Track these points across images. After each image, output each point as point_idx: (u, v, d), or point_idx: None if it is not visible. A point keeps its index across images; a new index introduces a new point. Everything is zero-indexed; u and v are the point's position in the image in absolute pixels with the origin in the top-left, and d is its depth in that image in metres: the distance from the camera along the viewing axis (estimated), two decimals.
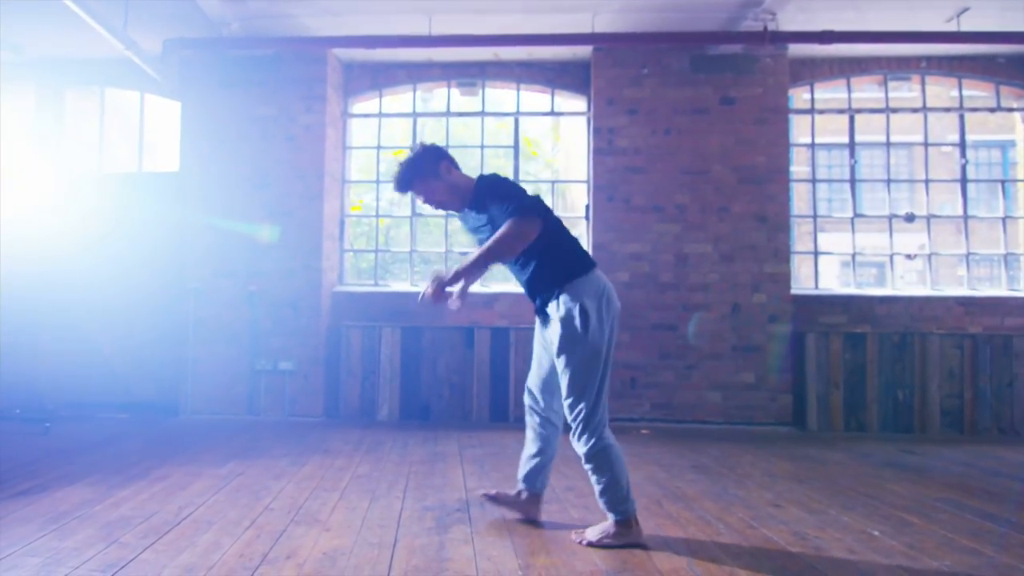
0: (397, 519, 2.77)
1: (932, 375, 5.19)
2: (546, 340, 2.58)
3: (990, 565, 2.31)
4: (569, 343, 2.39)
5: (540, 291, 2.51)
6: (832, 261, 13.86)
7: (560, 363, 2.44)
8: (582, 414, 2.39)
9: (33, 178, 5.87)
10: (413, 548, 2.42)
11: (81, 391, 5.69)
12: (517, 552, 2.39)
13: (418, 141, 2.67)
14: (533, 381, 2.71)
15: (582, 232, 5.98)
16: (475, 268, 2.37)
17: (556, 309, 2.44)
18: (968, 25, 5.01)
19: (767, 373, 5.25)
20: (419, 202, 2.62)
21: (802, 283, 5.92)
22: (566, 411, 2.47)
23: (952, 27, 5.07)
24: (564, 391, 2.45)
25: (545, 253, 2.46)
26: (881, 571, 2.23)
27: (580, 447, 2.42)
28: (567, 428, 2.54)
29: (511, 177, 5.99)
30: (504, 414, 5.34)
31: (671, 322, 5.35)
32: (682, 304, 5.36)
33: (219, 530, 2.60)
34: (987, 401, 5.15)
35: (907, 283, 10.23)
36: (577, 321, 2.37)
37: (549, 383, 2.63)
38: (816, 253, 5.82)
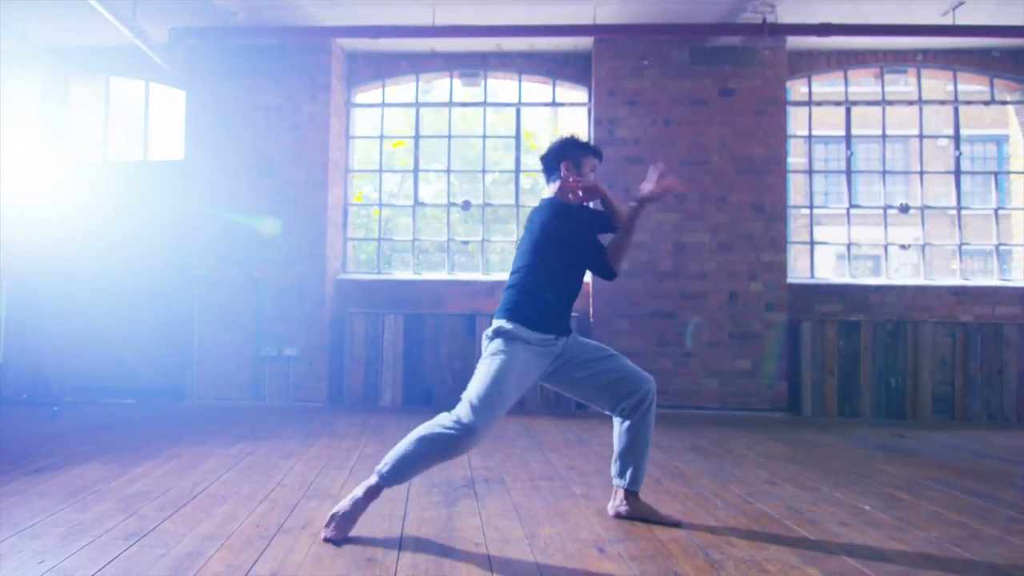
0: (406, 494, 2.86)
1: (924, 363, 5.30)
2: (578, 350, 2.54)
3: (975, 536, 2.41)
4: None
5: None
6: (828, 254, 13.98)
7: (609, 354, 2.55)
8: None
9: (39, 166, 5.92)
10: (423, 519, 2.52)
11: (87, 377, 5.77)
12: (523, 523, 2.49)
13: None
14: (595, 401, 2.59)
15: None
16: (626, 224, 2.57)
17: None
18: (963, 19, 5.10)
19: (762, 373, 5.36)
20: (590, 168, 2.66)
21: (798, 274, 6.02)
22: (637, 390, 2.49)
23: (948, 21, 5.15)
24: (631, 371, 2.51)
25: None
26: (871, 541, 2.34)
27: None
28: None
29: (512, 167, 6.08)
30: None
31: (669, 310, 5.44)
32: (680, 292, 5.45)
33: (234, 503, 2.69)
34: (978, 388, 5.27)
35: (901, 276, 10.35)
36: None
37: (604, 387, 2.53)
38: (812, 243, 5.92)
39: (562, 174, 2.59)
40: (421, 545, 2.23)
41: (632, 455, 2.51)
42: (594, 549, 2.22)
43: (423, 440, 2.26)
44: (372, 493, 2.31)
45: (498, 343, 2.40)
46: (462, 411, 2.27)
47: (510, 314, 2.42)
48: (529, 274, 2.47)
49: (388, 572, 2.00)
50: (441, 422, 2.28)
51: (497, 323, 2.45)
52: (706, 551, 2.21)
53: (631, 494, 2.53)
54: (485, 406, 2.26)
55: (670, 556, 2.16)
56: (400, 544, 2.24)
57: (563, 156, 2.61)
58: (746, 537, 2.36)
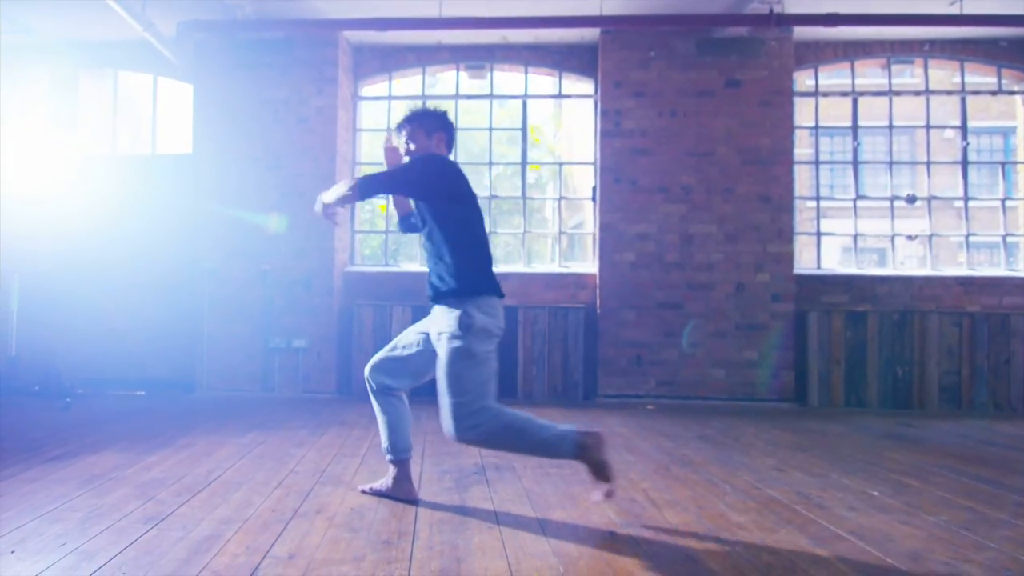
0: (418, 480, 2.89)
1: (931, 352, 5.31)
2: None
3: (983, 520, 2.43)
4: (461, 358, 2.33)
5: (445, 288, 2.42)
6: (834, 247, 13.96)
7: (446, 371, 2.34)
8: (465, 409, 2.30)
9: (48, 160, 5.95)
10: (436, 504, 2.55)
11: (97, 369, 5.81)
12: (535, 508, 2.52)
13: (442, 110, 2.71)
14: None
15: (588, 214, 6.08)
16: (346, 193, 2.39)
17: (452, 317, 2.36)
18: (971, 8, 5.08)
19: (759, 371, 5.38)
20: (400, 141, 2.68)
21: (804, 266, 6.02)
22: (452, 408, 2.31)
23: (955, 10, 5.13)
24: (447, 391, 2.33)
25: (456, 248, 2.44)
26: (881, 524, 2.36)
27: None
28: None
29: (519, 160, 6.09)
30: (513, 390, 5.47)
31: (676, 301, 5.46)
32: (687, 283, 5.46)
33: (249, 489, 2.73)
34: (984, 378, 5.28)
35: (907, 268, 10.33)
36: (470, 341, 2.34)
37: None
38: (819, 234, 5.92)
39: (430, 138, 2.66)
40: (435, 528, 2.27)
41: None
42: (606, 532, 2.25)
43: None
44: (398, 474, 2.60)
45: None
46: None
47: None
48: None
49: (404, 554, 2.03)
50: None
51: None
52: (717, 534, 2.23)
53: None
54: None
55: (681, 539, 2.19)
56: (415, 528, 2.27)
57: (439, 129, 2.70)
58: (756, 521, 2.38)
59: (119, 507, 2.47)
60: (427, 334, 2.53)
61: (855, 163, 5.96)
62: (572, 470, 3.12)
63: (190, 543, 2.10)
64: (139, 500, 2.56)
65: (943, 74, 6.16)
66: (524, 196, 6.10)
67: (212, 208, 5.59)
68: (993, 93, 6.01)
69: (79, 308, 5.85)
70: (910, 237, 5.99)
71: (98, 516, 2.36)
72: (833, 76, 6.20)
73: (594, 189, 5.77)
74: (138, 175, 5.97)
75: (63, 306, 5.86)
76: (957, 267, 5.93)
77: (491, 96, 6.11)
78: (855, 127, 5.95)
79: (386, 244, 6.19)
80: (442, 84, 6.87)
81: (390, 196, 2.83)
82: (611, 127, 5.58)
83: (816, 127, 5.98)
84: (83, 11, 5.24)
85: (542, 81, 6.24)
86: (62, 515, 2.37)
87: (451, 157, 2.70)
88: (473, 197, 2.57)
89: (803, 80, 6.02)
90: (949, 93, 6.02)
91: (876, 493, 2.78)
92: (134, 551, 2.03)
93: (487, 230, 2.56)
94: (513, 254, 6.91)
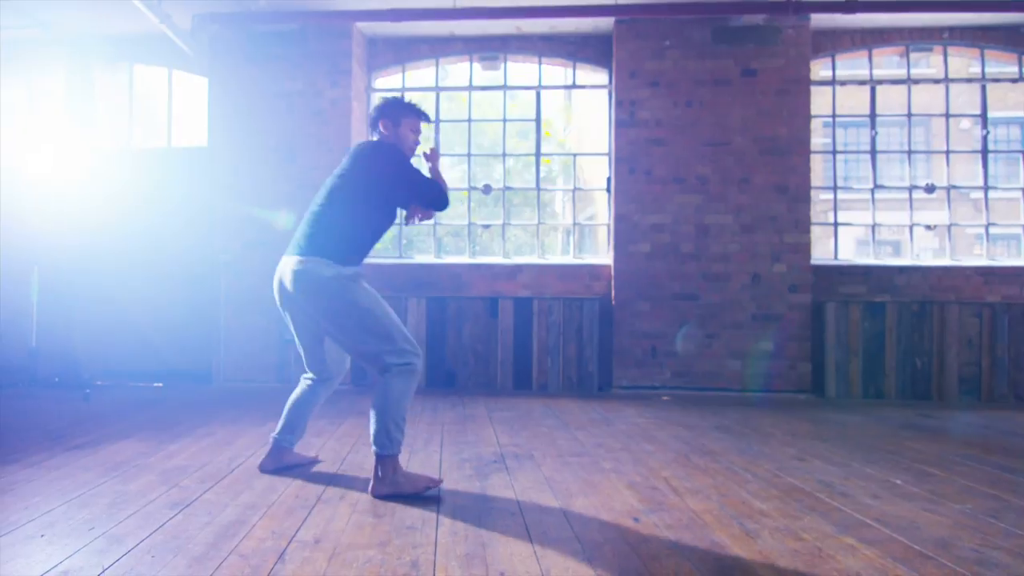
0: (438, 469, 2.90)
1: (950, 343, 5.26)
2: None
3: (1009, 508, 2.41)
4: None
5: None
6: (850, 240, 13.84)
7: None
8: None
9: (66, 154, 6.00)
10: (457, 491, 2.56)
11: (115, 361, 5.87)
12: (556, 495, 2.52)
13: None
14: None
15: (599, 206, 6.06)
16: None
17: None
18: None
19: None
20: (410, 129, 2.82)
21: (820, 257, 5.97)
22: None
23: None
24: None
25: None
26: (905, 512, 2.34)
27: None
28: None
29: (533, 151, 6.07)
30: (528, 381, 5.47)
31: (692, 292, 5.44)
32: (703, 274, 5.44)
33: (271, 476, 2.75)
34: (1004, 369, 5.22)
35: (925, 259, 10.23)
36: None
37: None
38: (835, 224, 5.87)
39: (382, 131, 2.76)
40: (458, 515, 2.27)
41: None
42: (629, 519, 2.25)
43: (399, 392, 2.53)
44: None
45: (348, 286, 2.53)
46: (399, 357, 2.50)
47: (344, 257, 2.57)
48: (356, 210, 2.62)
49: (428, 539, 2.04)
50: (395, 374, 2.50)
51: (335, 267, 2.53)
52: (740, 521, 2.23)
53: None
54: (403, 335, 2.54)
55: (705, 526, 2.18)
56: (438, 514, 2.28)
57: (382, 115, 2.75)
58: (779, 508, 2.37)
59: (144, 493, 2.49)
60: None
61: (872, 153, 5.89)
62: (591, 459, 3.13)
63: (216, 527, 2.12)
64: (164, 487, 2.58)
65: (961, 62, 6.07)
66: (538, 188, 6.09)
67: (224, 204, 5.61)
68: (1014, 81, 5.92)
69: (97, 300, 5.90)
70: (929, 227, 5.92)
71: (124, 502, 2.38)
72: (850, 66, 6.14)
73: (609, 180, 5.74)
74: (154, 168, 6.01)
75: (82, 299, 5.92)
76: (976, 257, 5.86)
77: (504, 87, 6.10)
78: (873, 116, 5.89)
79: (400, 237, 6.20)
80: (455, 76, 6.86)
81: None
82: (626, 117, 5.55)
83: (833, 116, 5.92)
84: (99, 5, 5.27)
85: (556, 72, 6.22)
86: (89, 500, 2.40)
87: (372, 137, 2.83)
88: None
89: (818, 69, 5.96)
90: (969, 81, 5.94)
91: (899, 481, 2.76)
92: (162, 535, 2.05)
93: (324, 200, 2.65)
94: (524, 247, 6.91)
